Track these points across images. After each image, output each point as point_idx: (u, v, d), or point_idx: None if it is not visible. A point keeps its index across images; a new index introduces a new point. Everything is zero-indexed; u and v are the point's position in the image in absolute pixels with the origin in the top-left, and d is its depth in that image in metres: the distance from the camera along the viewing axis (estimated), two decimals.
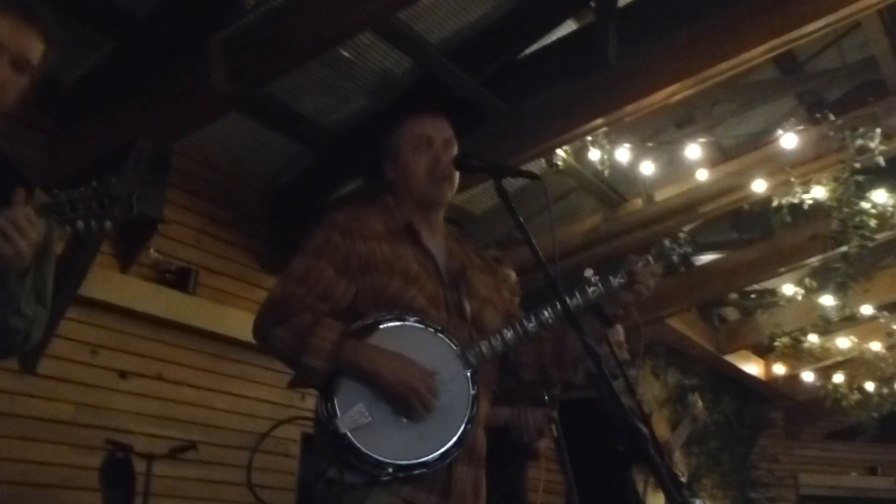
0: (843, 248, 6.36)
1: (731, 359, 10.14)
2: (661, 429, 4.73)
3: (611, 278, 2.52)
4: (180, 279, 5.35)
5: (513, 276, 3.74)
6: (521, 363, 2.63)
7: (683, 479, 4.77)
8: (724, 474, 10.38)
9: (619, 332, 4.53)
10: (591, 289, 2.50)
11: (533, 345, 2.59)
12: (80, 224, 1.85)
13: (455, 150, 2.67)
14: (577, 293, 2.49)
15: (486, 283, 2.68)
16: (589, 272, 2.51)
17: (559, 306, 2.41)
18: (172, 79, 4.55)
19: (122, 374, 5.10)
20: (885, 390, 10.19)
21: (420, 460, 2.29)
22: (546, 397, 3.50)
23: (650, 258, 2.57)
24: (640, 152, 6.22)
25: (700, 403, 5.09)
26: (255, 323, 2.45)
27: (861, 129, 5.74)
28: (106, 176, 1.87)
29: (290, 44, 4.40)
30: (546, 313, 2.47)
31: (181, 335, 5.39)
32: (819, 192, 6.17)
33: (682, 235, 2.70)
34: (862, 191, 6.15)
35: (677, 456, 4.63)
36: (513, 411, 3.45)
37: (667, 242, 2.63)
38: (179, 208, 5.47)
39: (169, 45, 4.56)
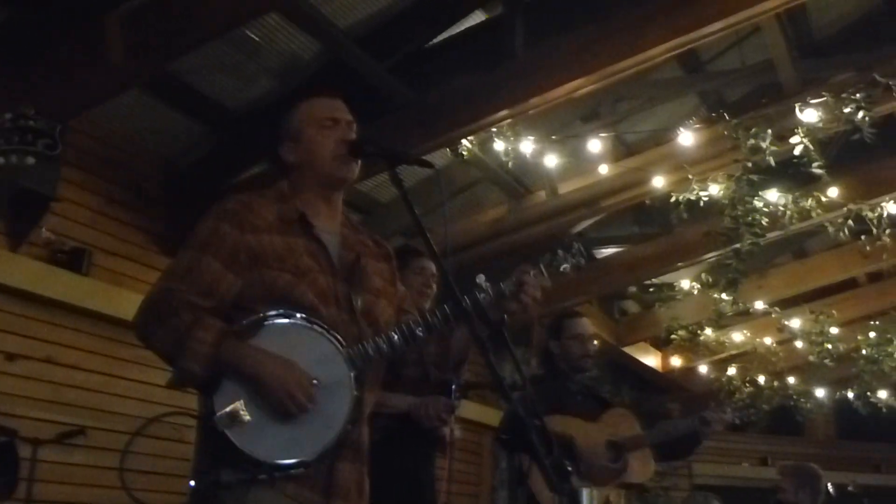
0: (736, 245, 6.54)
1: (631, 350, 10.37)
2: (626, 427, 4.70)
3: (501, 285, 2.55)
4: (73, 260, 5.18)
5: (431, 266, 3.72)
6: (405, 360, 2.67)
7: (641, 481, 4.76)
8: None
9: (585, 324, 4.58)
10: (482, 295, 2.52)
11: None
12: (0, 160, 1.72)
13: (355, 132, 2.63)
14: (466, 298, 2.48)
15: (380, 273, 2.65)
16: (481, 278, 2.53)
17: (451, 307, 2.43)
18: (69, 52, 4.42)
19: (10, 357, 4.91)
20: (776, 383, 10.55)
21: (298, 460, 2.31)
22: (452, 387, 3.50)
23: (542, 268, 2.61)
24: (544, 145, 6.28)
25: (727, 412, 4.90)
26: (135, 321, 2.41)
27: (753, 130, 5.90)
28: (23, 108, 1.75)
29: (192, 21, 4.31)
30: (435, 319, 2.49)
31: (73, 317, 5.23)
32: (715, 190, 6.32)
33: (575, 245, 2.75)
34: (755, 190, 6.32)
35: (638, 455, 4.59)
36: (415, 399, 3.43)
37: (560, 252, 2.68)
38: (74, 186, 5.30)
39: (66, 15, 4.41)
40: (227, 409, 2.28)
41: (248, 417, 2.29)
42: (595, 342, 4.68)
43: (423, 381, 2.72)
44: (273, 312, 2.38)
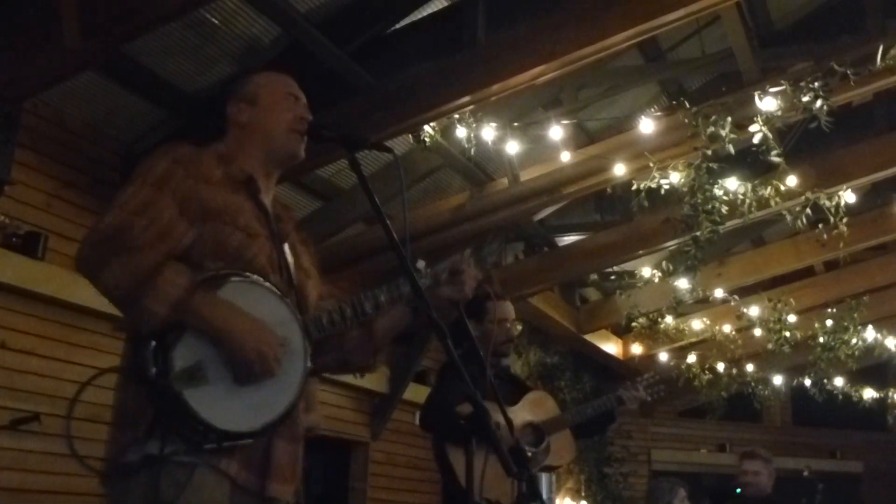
0: (696, 233, 6.58)
1: (591, 338, 10.41)
2: (545, 409, 4.69)
3: (437, 271, 2.54)
4: (28, 244, 5.10)
5: None
6: (324, 346, 2.50)
7: (563, 463, 4.76)
8: (580, 450, 10.67)
9: (509, 309, 4.55)
10: (422, 280, 2.48)
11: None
12: None
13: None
14: (400, 283, 2.47)
15: (306, 254, 2.61)
16: (421, 263, 2.50)
17: (400, 287, 2.42)
18: (21, 32, 4.33)
19: None
20: (735, 371, 10.65)
21: (250, 430, 2.18)
22: None
23: (472, 261, 2.59)
24: (506, 132, 6.27)
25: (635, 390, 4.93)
26: (84, 252, 2.16)
27: (713, 118, 5.94)
28: None
29: (149, 2, 4.24)
30: (383, 296, 2.46)
31: (28, 302, 5.16)
32: (675, 178, 6.35)
33: (494, 245, 2.76)
34: (715, 178, 6.36)
35: (558, 437, 4.58)
36: None
37: (484, 248, 2.69)
38: (29, 170, 5.22)
39: None
40: (188, 366, 2.10)
41: (206, 379, 2.12)
42: (519, 326, 4.64)
43: (343, 368, 2.66)
44: (234, 270, 2.26)
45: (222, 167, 2.42)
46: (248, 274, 2.27)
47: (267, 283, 2.31)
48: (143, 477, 2.12)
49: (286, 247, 2.50)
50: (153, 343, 2.12)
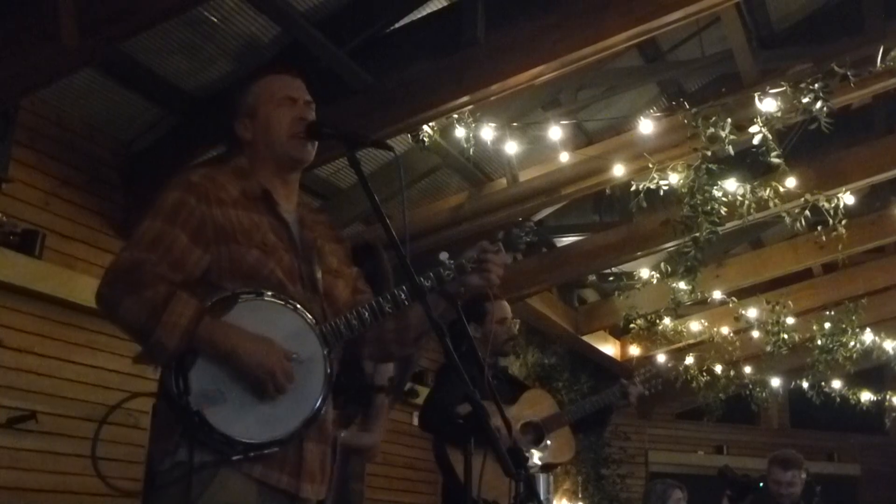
0: (695, 234, 6.57)
1: (589, 339, 10.41)
2: (543, 408, 4.68)
3: (463, 261, 2.52)
4: (26, 242, 5.08)
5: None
6: (363, 339, 2.58)
7: (557, 461, 4.77)
8: (577, 451, 10.65)
9: (507, 308, 4.54)
10: (447, 272, 2.50)
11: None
12: None
13: (314, 113, 2.61)
14: (432, 276, 2.49)
15: (336, 255, 2.64)
16: (444, 255, 2.51)
17: (410, 285, 2.42)
18: (19, 29, 4.31)
19: None
20: (732, 373, 10.65)
21: (273, 439, 2.29)
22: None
23: (501, 246, 2.58)
24: (505, 132, 6.27)
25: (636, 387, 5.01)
26: (101, 291, 2.30)
27: (713, 119, 5.94)
28: None
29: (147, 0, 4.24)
30: (402, 294, 2.46)
31: (25, 300, 5.13)
32: (674, 179, 6.35)
33: (529, 224, 2.74)
34: (714, 179, 6.36)
35: (558, 435, 4.59)
36: None
37: (514, 230, 2.67)
38: (27, 168, 5.20)
39: None
40: (204, 387, 2.24)
41: (223, 396, 2.25)
42: (516, 323, 4.66)
43: (386, 359, 2.69)
44: (244, 289, 2.35)
45: (241, 183, 2.49)
46: (260, 291, 2.37)
47: (279, 298, 2.39)
48: (174, 485, 2.25)
49: (313, 253, 2.53)
50: (172, 367, 2.26)
